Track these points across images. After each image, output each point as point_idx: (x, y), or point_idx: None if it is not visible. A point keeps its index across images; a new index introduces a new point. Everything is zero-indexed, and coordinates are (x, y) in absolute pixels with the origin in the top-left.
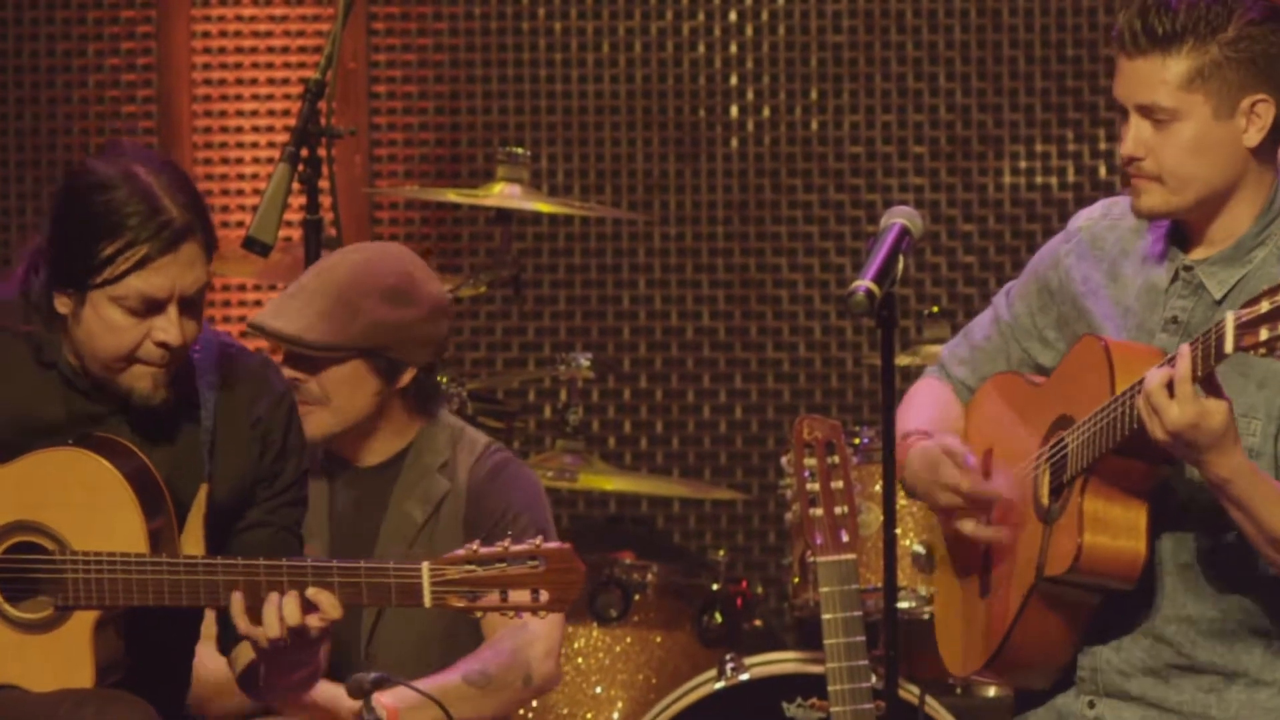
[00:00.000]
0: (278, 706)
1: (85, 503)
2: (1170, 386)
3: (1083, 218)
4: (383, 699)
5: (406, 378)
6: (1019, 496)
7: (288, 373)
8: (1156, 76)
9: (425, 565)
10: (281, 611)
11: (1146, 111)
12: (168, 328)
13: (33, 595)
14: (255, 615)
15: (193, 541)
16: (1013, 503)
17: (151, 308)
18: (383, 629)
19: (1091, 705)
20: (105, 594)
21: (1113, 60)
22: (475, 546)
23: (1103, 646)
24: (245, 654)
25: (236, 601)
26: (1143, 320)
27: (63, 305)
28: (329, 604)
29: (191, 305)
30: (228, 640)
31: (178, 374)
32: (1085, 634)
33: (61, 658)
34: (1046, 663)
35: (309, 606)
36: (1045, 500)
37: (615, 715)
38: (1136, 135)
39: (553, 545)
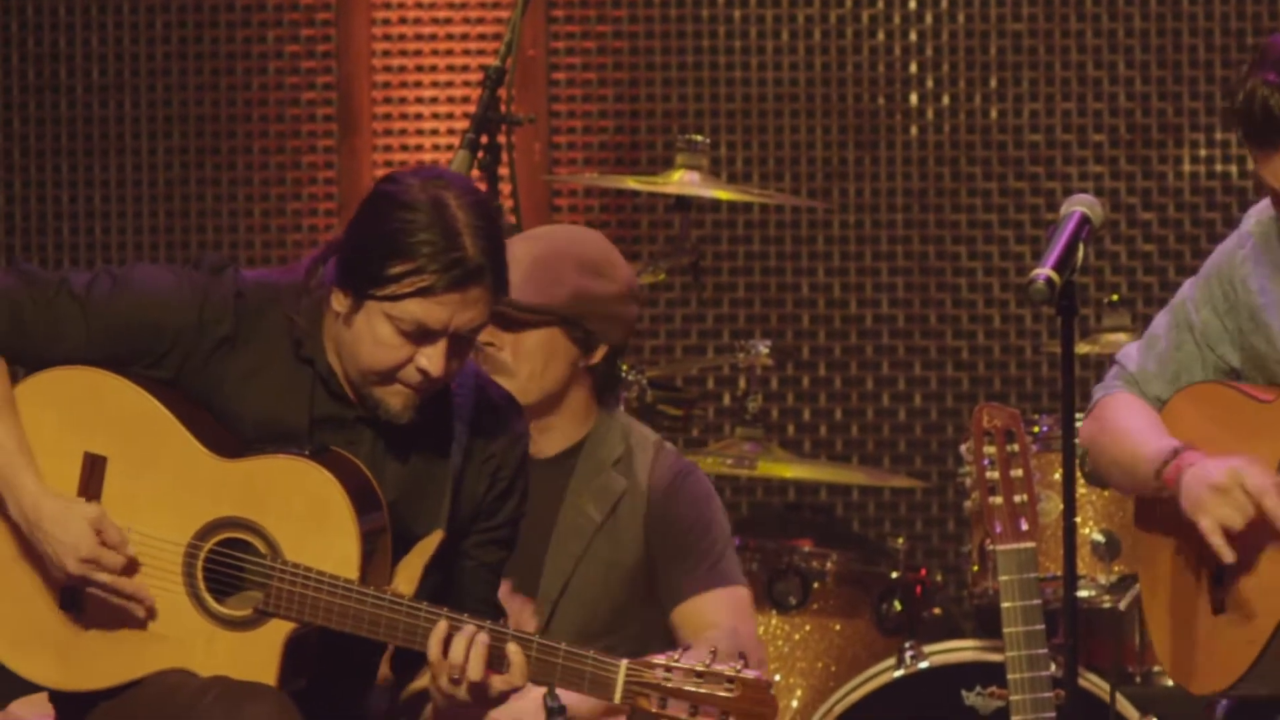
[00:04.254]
0: None
1: (307, 517)
2: None
3: (1253, 218)
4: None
5: (599, 354)
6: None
7: (483, 337)
8: None
9: (624, 664)
10: (468, 657)
11: None
12: (434, 357)
13: (236, 592)
14: (447, 650)
15: (406, 578)
16: (1254, 523)
17: (423, 335)
18: (557, 622)
19: None
20: (306, 610)
21: None
22: (677, 656)
23: None
24: (420, 682)
25: (435, 638)
26: None
27: (339, 303)
28: (518, 667)
29: (463, 342)
30: (402, 663)
31: (435, 401)
32: None
33: (248, 658)
34: None
35: (498, 664)
36: None
37: (794, 703)
38: None
39: (751, 675)
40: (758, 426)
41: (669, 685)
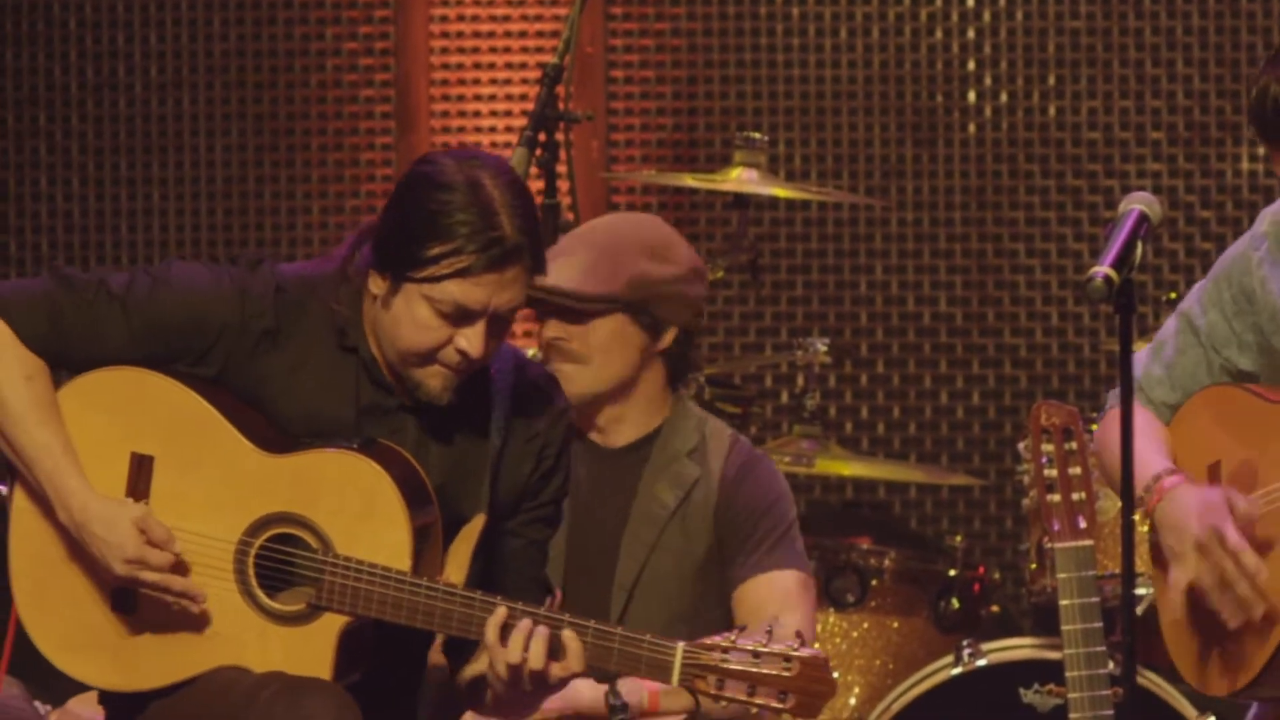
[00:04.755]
0: None
1: (358, 511)
2: None
3: (1267, 219)
4: (645, 682)
5: (669, 338)
6: (1268, 515)
7: (551, 332)
8: None
9: (680, 646)
10: (528, 647)
11: None
12: (472, 339)
13: (288, 588)
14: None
15: (456, 566)
16: (1261, 524)
17: (462, 316)
18: (634, 611)
19: None
20: (359, 603)
21: None
22: (734, 636)
23: None
24: (476, 669)
25: (492, 628)
26: None
27: (376, 286)
28: (575, 654)
29: (502, 322)
30: (454, 649)
31: (474, 383)
32: None
33: (303, 653)
34: None
35: (556, 652)
36: None
37: (852, 700)
38: None
39: (808, 652)
40: (816, 424)
41: (726, 666)
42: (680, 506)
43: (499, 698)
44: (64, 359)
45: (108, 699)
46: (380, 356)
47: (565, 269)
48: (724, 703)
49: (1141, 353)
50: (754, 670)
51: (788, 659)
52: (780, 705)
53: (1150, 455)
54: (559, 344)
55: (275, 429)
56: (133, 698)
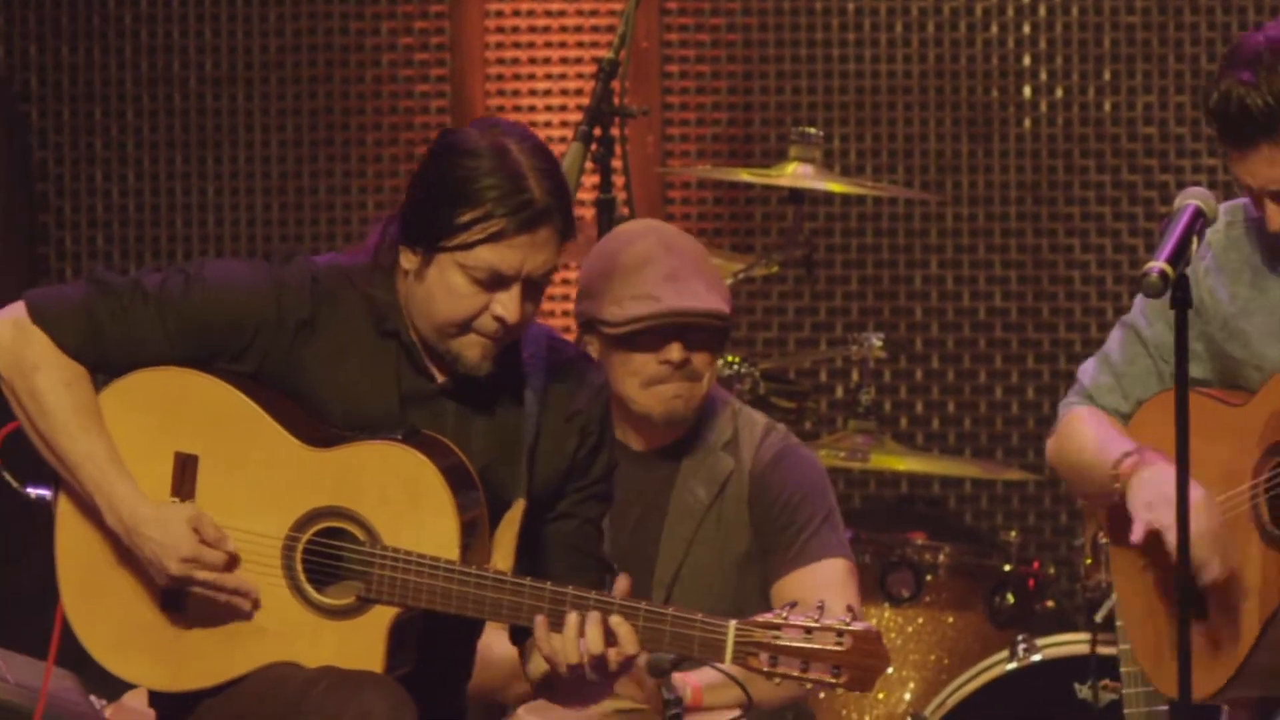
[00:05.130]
0: None
1: (404, 501)
2: None
3: (1207, 230)
4: (688, 678)
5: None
6: (1232, 520)
7: (701, 365)
8: (1278, 162)
9: (732, 624)
10: (585, 638)
11: None
12: (508, 304)
13: (336, 581)
14: (557, 628)
15: (503, 554)
16: (1225, 528)
17: (496, 282)
18: (686, 568)
19: None
20: (409, 594)
21: None
22: (785, 613)
23: None
24: (541, 664)
25: (540, 625)
26: None
27: (408, 261)
28: (628, 638)
29: (535, 287)
30: (521, 637)
31: (509, 364)
32: None
33: (354, 647)
34: None
35: (610, 638)
36: (1271, 526)
37: (906, 695)
38: (1278, 212)
39: (860, 626)
40: (870, 419)
41: (779, 643)
42: (715, 500)
43: (560, 685)
44: (103, 364)
45: (158, 699)
46: (419, 340)
47: (709, 293)
48: (778, 680)
49: (1088, 364)
50: (807, 646)
51: (840, 634)
52: (834, 680)
53: (1116, 439)
54: (686, 367)
55: (318, 422)
56: (183, 697)
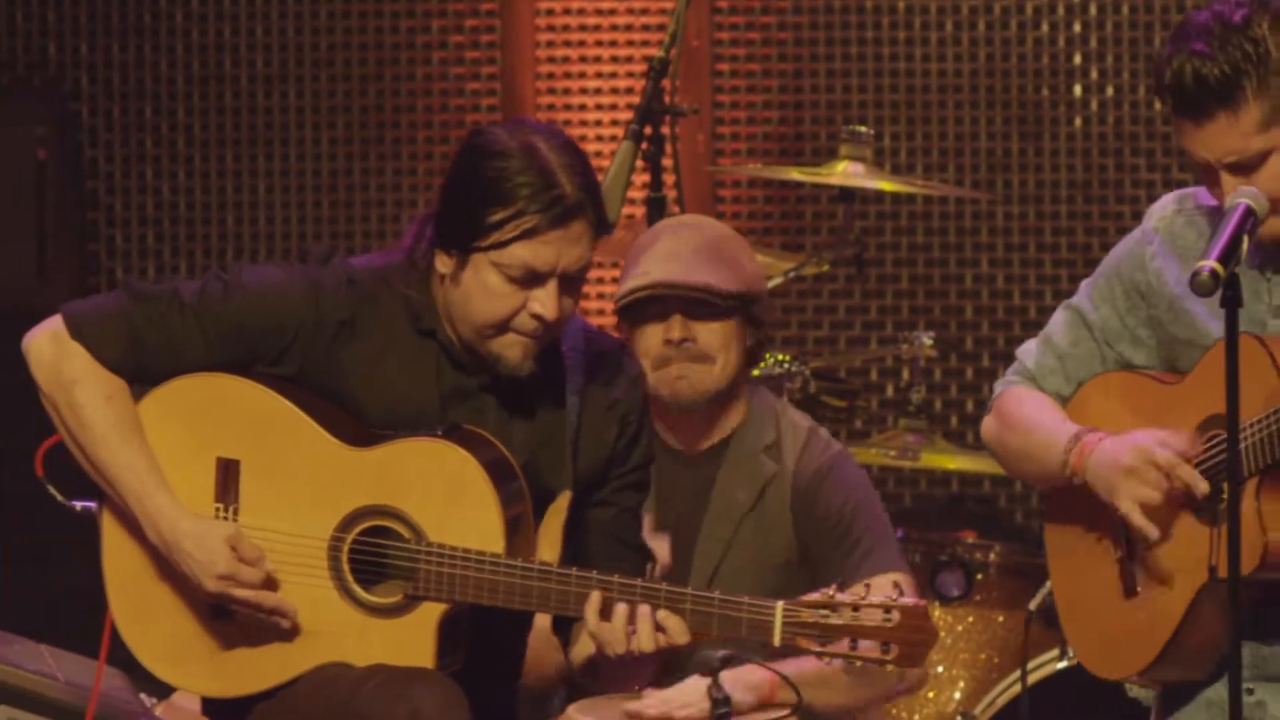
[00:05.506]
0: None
1: (447, 497)
2: None
3: (1155, 215)
4: (768, 675)
5: (757, 335)
6: (1166, 495)
7: (678, 333)
8: (1235, 131)
9: (779, 605)
10: (633, 622)
11: (1238, 167)
12: (546, 301)
13: (383, 580)
14: (605, 618)
15: (548, 544)
16: (1165, 501)
17: (532, 279)
18: (728, 561)
19: (1251, 692)
20: (456, 589)
21: None
22: (831, 592)
23: (1267, 634)
24: (586, 648)
25: (592, 609)
26: (1250, 311)
27: (443, 265)
28: (677, 629)
29: (572, 283)
30: (564, 626)
31: (548, 358)
32: (1248, 625)
33: (404, 644)
34: (1211, 655)
35: (659, 630)
36: (1201, 499)
37: (956, 694)
38: (1235, 185)
39: (908, 601)
40: (921, 418)
41: (827, 622)
42: (756, 503)
43: (607, 671)
44: (143, 374)
45: (212, 706)
46: (456, 339)
47: (700, 268)
48: (827, 659)
49: (1029, 344)
50: (855, 624)
51: (888, 610)
52: (884, 657)
53: (1061, 422)
54: (686, 346)
55: (358, 422)
56: (238, 702)
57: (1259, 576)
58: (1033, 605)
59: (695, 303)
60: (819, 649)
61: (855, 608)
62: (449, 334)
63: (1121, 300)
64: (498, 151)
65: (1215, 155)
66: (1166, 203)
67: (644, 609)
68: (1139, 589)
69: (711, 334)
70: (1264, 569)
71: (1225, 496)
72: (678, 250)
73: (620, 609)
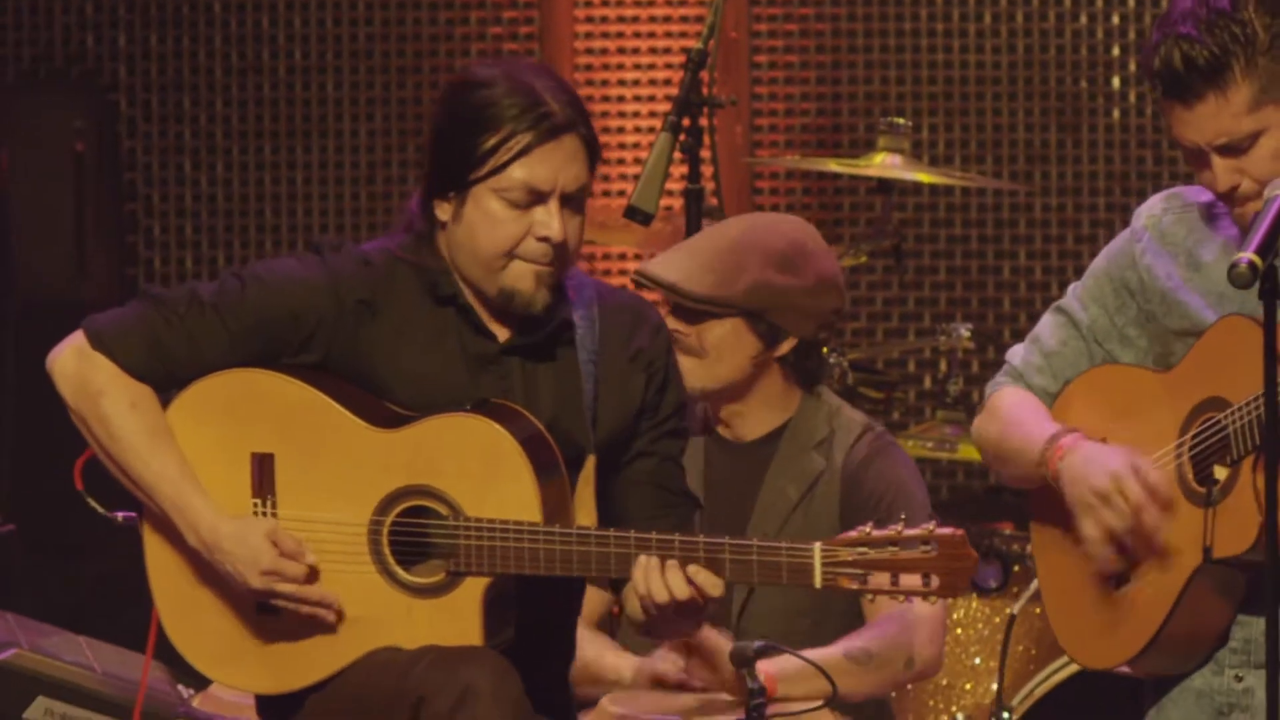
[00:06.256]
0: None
1: (481, 472)
2: None
3: (1144, 214)
4: (765, 668)
5: (786, 347)
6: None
7: (670, 325)
8: (1225, 113)
9: (817, 546)
10: (668, 583)
11: (1228, 149)
12: (549, 221)
13: (424, 560)
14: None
15: (584, 510)
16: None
17: (534, 199)
18: (755, 602)
19: (1240, 679)
20: (497, 561)
21: None
22: (868, 529)
23: (1258, 619)
24: (635, 605)
25: (639, 566)
26: (1243, 303)
27: (443, 211)
28: (709, 583)
29: (573, 202)
30: (620, 586)
31: (562, 315)
32: (1239, 609)
33: (450, 623)
34: (1201, 645)
35: (689, 582)
36: (1195, 484)
37: (994, 686)
38: (1226, 168)
39: (946, 531)
40: (959, 409)
41: (867, 558)
42: (804, 499)
43: (651, 627)
44: (170, 379)
45: (266, 703)
46: (474, 298)
47: (682, 265)
48: (870, 596)
49: (1017, 347)
50: (895, 557)
51: (926, 540)
52: (926, 589)
53: (1040, 423)
54: (677, 337)
55: (385, 404)
56: (291, 697)
57: (1253, 557)
58: (1016, 609)
59: (672, 299)
60: (860, 586)
61: (894, 542)
62: (468, 298)
63: (1111, 299)
64: (479, 83)
65: (1206, 138)
66: (1154, 202)
67: (672, 564)
68: (1131, 580)
69: (700, 335)
70: (1258, 549)
71: (1217, 479)
72: (689, 244)
73: (654, 563)
